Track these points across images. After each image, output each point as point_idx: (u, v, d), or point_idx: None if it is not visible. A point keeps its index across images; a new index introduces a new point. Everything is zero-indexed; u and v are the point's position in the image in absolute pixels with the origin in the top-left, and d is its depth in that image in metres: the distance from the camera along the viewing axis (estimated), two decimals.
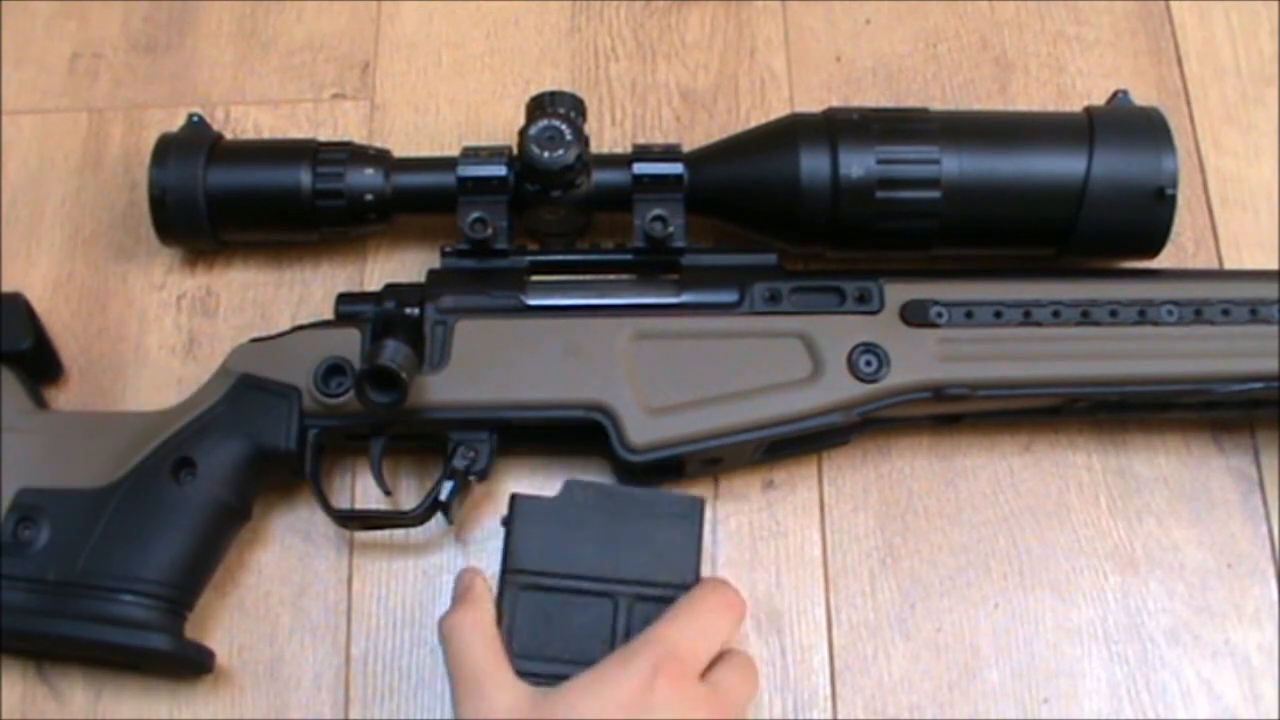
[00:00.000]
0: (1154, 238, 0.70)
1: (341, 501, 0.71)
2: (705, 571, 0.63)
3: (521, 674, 0.60)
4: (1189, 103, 0.82)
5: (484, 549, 0.70)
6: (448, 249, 0.71)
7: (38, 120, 0.81)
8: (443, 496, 0.67)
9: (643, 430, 0.66)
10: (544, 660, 0.61)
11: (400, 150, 0.73)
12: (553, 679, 0.59)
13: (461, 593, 0.63)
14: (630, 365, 0.67)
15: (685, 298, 0.69)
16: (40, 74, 0.83)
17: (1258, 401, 0.69)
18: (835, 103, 0.80)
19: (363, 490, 0.72)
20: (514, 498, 0.64)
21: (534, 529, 0.63)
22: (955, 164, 0.68)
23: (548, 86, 0.78)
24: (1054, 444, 0.73)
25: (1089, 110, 0.71)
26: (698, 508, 0.64)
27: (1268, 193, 0.79)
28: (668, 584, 0.62)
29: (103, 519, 0.65)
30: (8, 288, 0.74)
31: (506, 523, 0.63)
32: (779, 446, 0.69)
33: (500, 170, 0.70)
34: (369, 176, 0.71)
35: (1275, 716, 0.67)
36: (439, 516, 0.68)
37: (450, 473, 0.67)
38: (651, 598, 0.62)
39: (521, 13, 0.84)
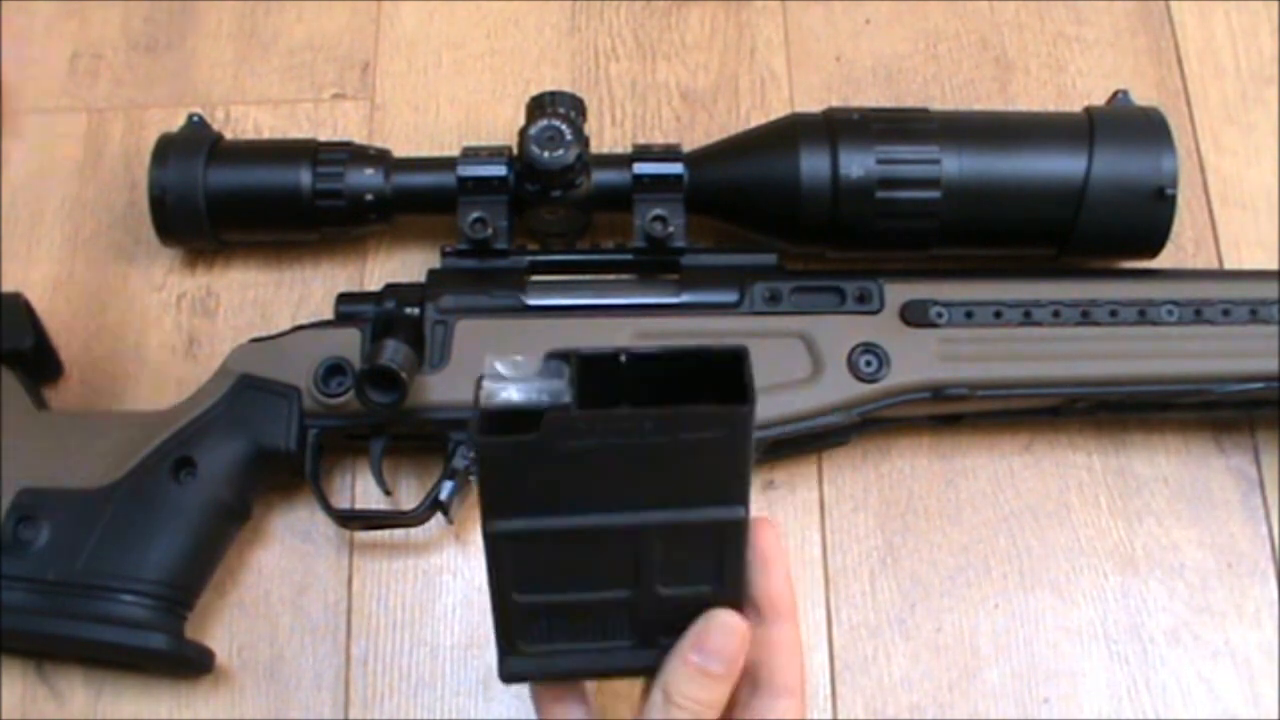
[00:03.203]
0: (1154, 238, 0.70)
1: (341, 501, 0.71)
2: None
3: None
4: (1189, 103, 0.82)
5: (483, 550, 0.69)
6: (448, 249, 0.71)
7: (38, 120, 0.81)
8: (443, 496, 0.67)
9: None
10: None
11: (400, 150, 0.73)
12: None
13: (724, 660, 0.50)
14: None
15: (685, 298, 0.69)
16: (40, 74, 0.83)
17: (1258, 401, 0.69)
18: (835, 103, 0.80)
19: (363, 490, 0.72)
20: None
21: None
22: (955, 164, 0.68)
23: (548, 86, 0.78)
24: (1054, 444, 0.73)
25: (1089, 110, 0.71)
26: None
27: (1268, 193, 0.79)
28: None
29: (103, 519, 0.65)
30: (8, 288, 0.74)
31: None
32: (779, 446, 0.69)
33: (500, 170, 0.70)
34: (369, 176, 0.71)
35: (1275, 717, 0.67)
36: (439, 516, 0.68)
37: (450, 473, 0.67)
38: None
39: (521, 13, 0.84)
